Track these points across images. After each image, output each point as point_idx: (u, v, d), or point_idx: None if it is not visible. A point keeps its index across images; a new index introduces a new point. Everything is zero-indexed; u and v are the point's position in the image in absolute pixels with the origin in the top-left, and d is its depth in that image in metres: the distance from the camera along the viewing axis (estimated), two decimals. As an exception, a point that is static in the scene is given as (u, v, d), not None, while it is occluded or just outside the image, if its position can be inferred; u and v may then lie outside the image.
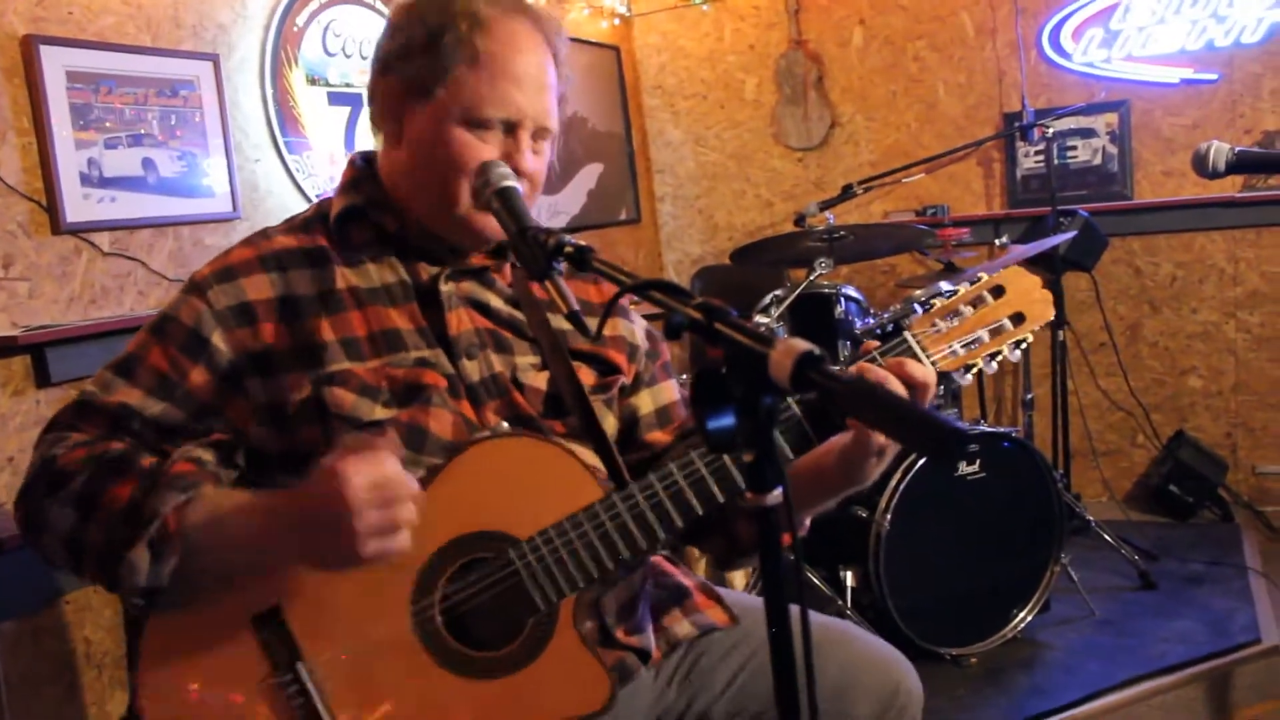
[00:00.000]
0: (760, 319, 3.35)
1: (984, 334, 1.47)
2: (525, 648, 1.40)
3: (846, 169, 4.85)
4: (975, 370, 1.48)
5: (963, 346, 1.46)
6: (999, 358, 1.48)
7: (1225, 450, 4.34)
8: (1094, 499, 4.49)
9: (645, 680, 1.57)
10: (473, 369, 1.49)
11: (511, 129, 1.47)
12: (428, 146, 1.47)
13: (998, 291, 1.48)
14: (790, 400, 1.40)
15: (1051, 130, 4.07)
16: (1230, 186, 4.10)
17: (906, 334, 1.46)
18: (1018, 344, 1.48)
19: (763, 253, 3.66)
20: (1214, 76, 4.18)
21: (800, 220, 3.88)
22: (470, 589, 1.39)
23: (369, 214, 1.52)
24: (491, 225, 1.44)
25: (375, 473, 1.22)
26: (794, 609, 0.94)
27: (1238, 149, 1.88)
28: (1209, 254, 4.30)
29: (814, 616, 0.92)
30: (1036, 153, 4.47)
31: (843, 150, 4.89)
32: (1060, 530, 3.19)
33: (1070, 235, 3.92)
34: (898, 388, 1.33)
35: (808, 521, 1.54)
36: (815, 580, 3.15)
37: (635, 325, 1.69)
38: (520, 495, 1.41)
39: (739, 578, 3.14)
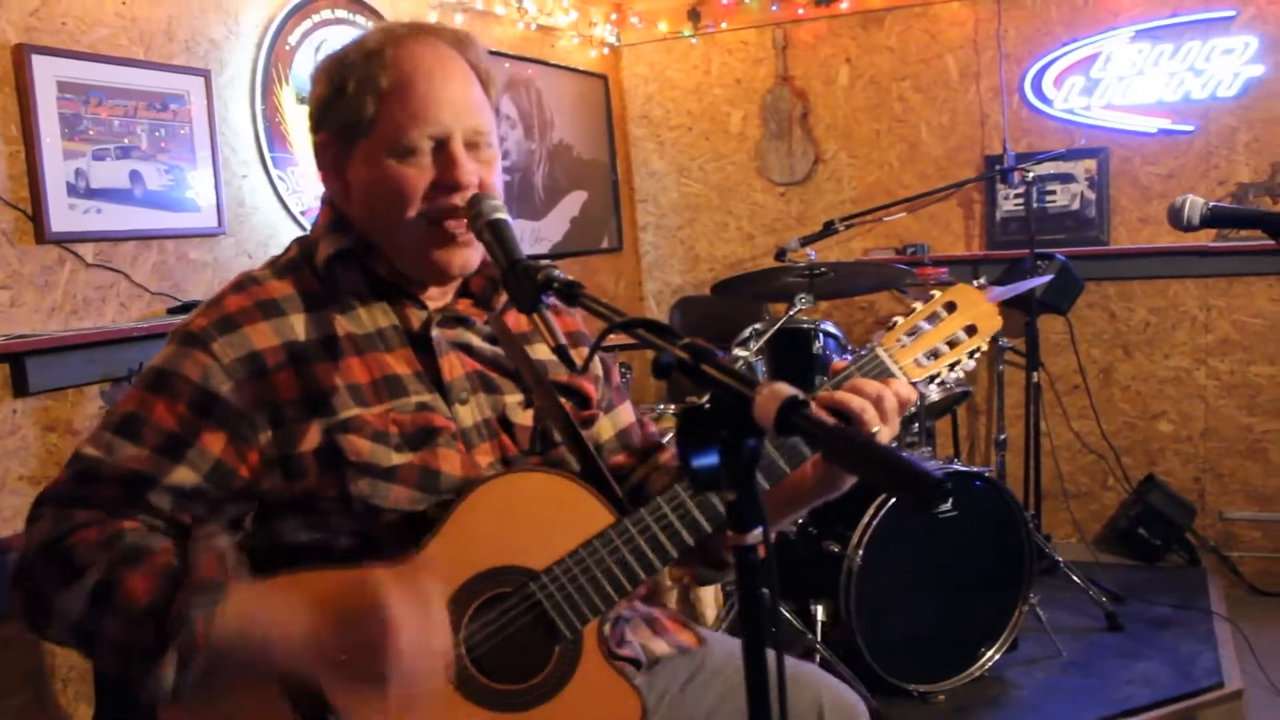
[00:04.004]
0: (739, 352, 3.38)
1: (943, 346, 1.59)
2: (554, 676, 1.41)
3: (828, 205, 4.90)
4: (938, 379, 1.60)
5: (926, 357, 1.57)
6: (958, 366, 1.60)
7: (1194, 495, 4.39)
8: (1064, 540, 4.53)
9: (641, 689, 1.60)
10: (466, 414, 1.49)
11: (440, 146, 1.44)
12: (371, 189, 1.46)
13: (950, 307, 1.60)
14: None
15: (1032, 174, 4.12)
16: (1204, 236, 4.17)
17: (878, 349, 1.55)
18: (973, 353, 1.61)
19: (744, 286, 3.68)
20: (1190, 128, 4.26)
21: (781, 255, 3.91)
22: (494, 624, 1.39)
23: (361, 257, 1.49)
24: (458, 259, 1.45)
25: (423, 632, 1.21)
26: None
27: (1211, 204, 1.92)
28: (1182, 301, 4.37)
29: (788, 660, 0.94)
30: (1016, 196, 4.53)
31: (825, 186, 4.94)
32: (1029, 570, 3.22)
33: (1047, 278, 3.98)
34: (890, 402, 1.40)
35: (774, 534, 1.57)
36: (787, 614, 3.17)
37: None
38: (532, 528, 1.41)
39: (709, 610, 3.15)
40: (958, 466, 3.23)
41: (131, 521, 1.33)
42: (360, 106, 1.45)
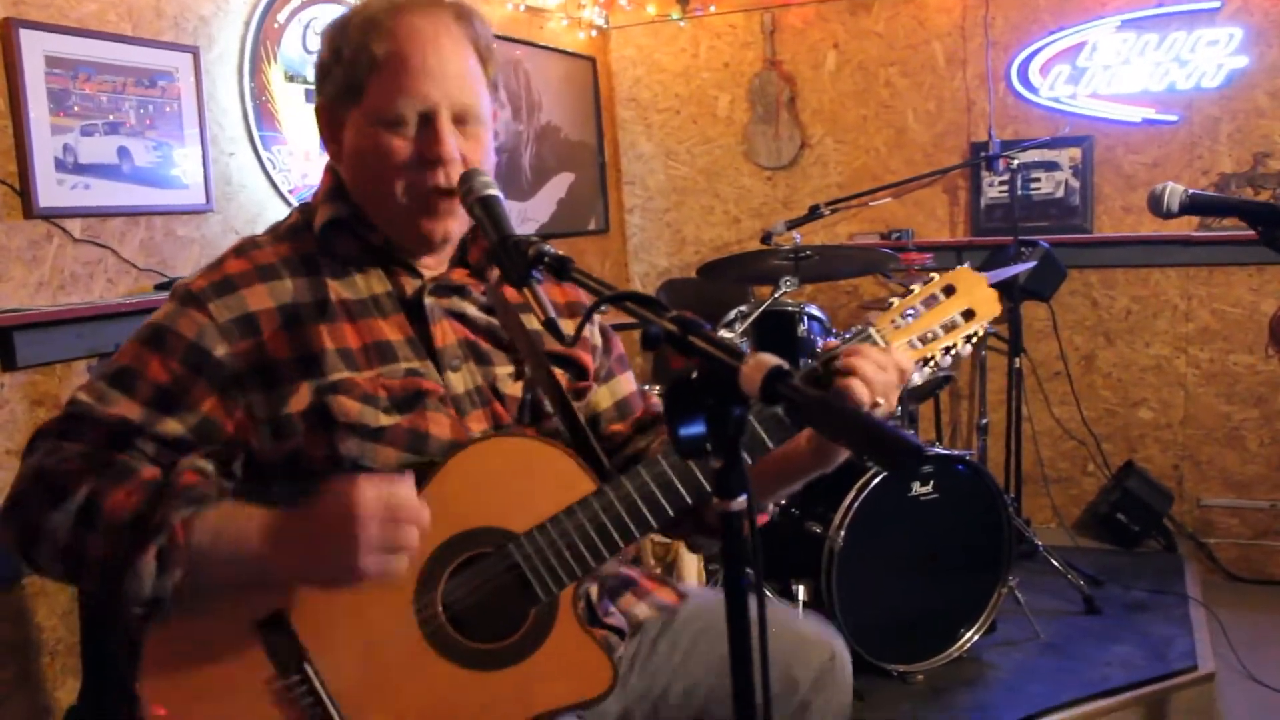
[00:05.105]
0: (724, 334, 3.40)
1: (938, 329, 1.56)
2: (529, 637, 1.44)
3: (814, 189, 4.92)
4: (932, 363, 1.57)
5: (920, 340, 1.55)
6: (953, 351, 1.57)
7: (1172, 482, 4.44)
8: (1043, 524, 4.58)
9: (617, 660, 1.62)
10: (457, 381, 1.52)
11: (427, 119, 1.46)
12: (359, 156, 1.49)
13: (949, 290, 1.57)
14: None
15: (1016, 162, 4.15)
16: (1186, 225, 4.21)
17: (870, 328, 1.53)
18: (969, 338, 1.58)
19: (729, 268, 3.70)
20: (1174, 118, 4.29)
21: (767, 238, 3.93)
22: (472, 583, 1.42)
23: (354, 226, 1.52)
24: (440, 228, 1.48)
25: (388, 491, 1.26)
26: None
27: (1191, 191, 1.95)
28: (1163, 290, 4.41)
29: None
30: (1001, 183, 4.55)
31: (811, 171, 4.96)
32: (1009, 553, 3.25)
33: (1030, 265, 4.00)
34: (886, 369, 1.39)
35: (771, 506, 1.60)
36: (768, 593, 3.20)
37: (592, 324, 1.72)
38: (516, 491, 1.44)
39: (691, 570, 3.18)
40: (940, 450, 3.26)
41: (120, 454, 1.36)
42: (354, 73, 1.47)
